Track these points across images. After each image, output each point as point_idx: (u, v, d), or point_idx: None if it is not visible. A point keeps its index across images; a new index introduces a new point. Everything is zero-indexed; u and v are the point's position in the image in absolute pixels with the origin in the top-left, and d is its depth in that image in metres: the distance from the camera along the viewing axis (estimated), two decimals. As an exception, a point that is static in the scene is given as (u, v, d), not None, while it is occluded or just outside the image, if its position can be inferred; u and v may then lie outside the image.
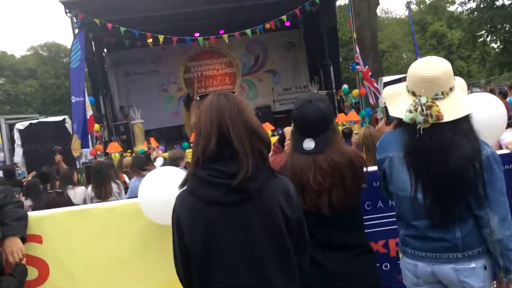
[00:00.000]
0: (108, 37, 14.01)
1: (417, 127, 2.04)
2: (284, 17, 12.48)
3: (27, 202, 5.52)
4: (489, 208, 2.04)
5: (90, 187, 5.68)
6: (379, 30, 29.25)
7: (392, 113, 2.21)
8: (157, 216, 2.40)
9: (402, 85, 2.22)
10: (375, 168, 2.43)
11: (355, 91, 13.74)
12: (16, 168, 11.15)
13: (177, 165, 5.33)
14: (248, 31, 12.48)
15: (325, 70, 15.89)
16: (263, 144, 1.77)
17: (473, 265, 2.10)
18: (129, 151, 12.34)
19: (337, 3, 18.67)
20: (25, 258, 2.36)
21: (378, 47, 19.59)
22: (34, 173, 7.82)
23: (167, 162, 6.22)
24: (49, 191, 5.59)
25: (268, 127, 11.47)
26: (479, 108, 2.31)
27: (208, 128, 1.74)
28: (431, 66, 2.06)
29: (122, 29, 11.64)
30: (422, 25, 38.29)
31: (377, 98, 12.35)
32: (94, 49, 14.98)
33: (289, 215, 1.76)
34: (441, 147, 2.02)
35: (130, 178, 6.47)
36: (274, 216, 1.74)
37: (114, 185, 5.59)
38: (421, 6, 42.00)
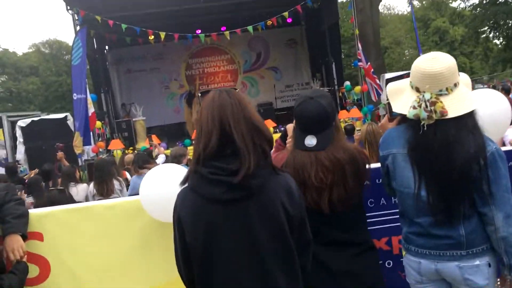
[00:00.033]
0: (110, 34, 14.01)
1: (421, 123, 2.02)
2: (286, 14, 12.43)
3: (29, 200, 5.52)
4: (493, 205, 2.02)
5: (92, 184, 5.69)
6: (381, 27, 29.18)
7: (396, 109, 2.19)
8: (158, 214, 2.39)
9: (406, 81, 2.20)
10: (378, 165, 2.41)
11: (357, 88, 13.70)
12: (18, 165, 11.17)
13: (179, 162, 5.33)
14: (250, 28, 12.45)
15: (327, 67, 15.83)
16: (265, 141, 1.76)
17: (477, 262, 2.08)
18: (131, 148, 12.32)
19: (339, 0, 18.58)
20: (26, 256, 2.35)
21: (380, 43, 19.52)
22: (36, 170, 7.83)
23: (169, 160, 6.21)
24: (51, 188, 5.59)
25: (270, 124, 11.45)
26: (483, 104, 2.28)
27: (209, 124, 1.72)
28: (436, 62, 2.04)
29: (124, 26, 11.61)
30: (424, 21, 38.13)
31: (379, 95, 12.31)
32: (95, 46, 14.95)
33: (291, 213, 1.74)
34: (445, 144, 2.00)
35: (132, 175, 6.46)
36: (276, 214, 1.72)
37: (116, 182, 5.60)
38: (424, 2, 41.82)
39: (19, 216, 2.39)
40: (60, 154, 8.43)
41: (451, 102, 2.03)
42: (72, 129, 11.03)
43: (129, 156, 8.00)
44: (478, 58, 38.46)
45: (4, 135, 13.31)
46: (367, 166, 2.24)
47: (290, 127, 2.53)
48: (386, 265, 2.72)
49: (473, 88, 2.29)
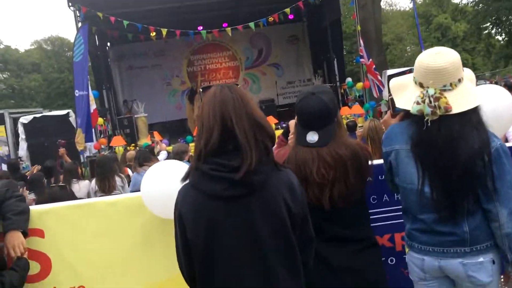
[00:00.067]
0: (111, 30, 13.96)
1: (425, 119, 2.00)
2: (287, 10, 12.38)
3: (31, 196, 5.52)
4: (498, 201, 2.00)
5: (93, 181, 5.69)
6: (383, 23, 29.06)
7: (399, 105, 2.17)
8: (160, 210, 2.38)
9: (409, 76, 2.18)
10: (380, 161, 2.40)
11: (359, 84, 13.66)
12: (21, 162, 11.17)
13: (181, 159, 5.32)
14: (252, 24, 12.41)
15: (328, 63, 15.78)
16: (268, 137, 1.74)
17: (481, 259, 2.07)
18: (133, 144, 12.31)
19: (341, -4, 18.48)
20: (26, 252, 2.34)
21: (382, 40, 19.46)
22: (38, 167, 7.82)
23: (171, 156, 6.20)
24: (52, 185, 5.59)
25: (271, 121, 11.41)
26: (486, 99, 2.26)
27: (211, 120, 1.71)
28: (440, 57, 2.02)
29: (125, 22, 11.59)
30: (426, 18, 38.03)
31: (380, 91, 12.28)
32: (97, 42, 14.93)
33: (293, 209, 1.73)
34: (449, 140, 1.98)
35: (133, 172, 6.46)
36: (277, 210, 1.70)
37: (117, 179, 5.61)
38: (425, -2, 41.70)
39: (19, 213, 2.37)
40: (62, 150, 8.45)
41: (455, 97, 2.01)
42: (74, 125, 11.04)
43: (131, 152, 7.98)
44: (480, 54, 38.34)
45: (6, 131, 13.33)
46: (369, 162, 2.22)
47: (292, 123, 2.52)
48: (389, 262, 2.70)
49: (476, 85, 2.27)
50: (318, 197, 2.12)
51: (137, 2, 12.78)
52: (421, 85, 2.06)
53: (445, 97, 1.99)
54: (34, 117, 12.56)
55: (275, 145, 2.37)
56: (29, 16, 74.83)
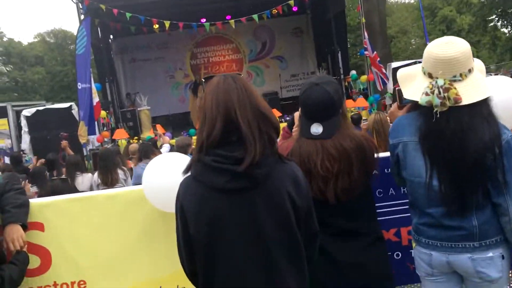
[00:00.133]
0: (114, 23, 13.92)
1: (434, 111, 1.94)
2: (291, 2, 12.30)
3: (33, 189, 5.50)
4: (508, 195, 1.95)
5: (96, 174, 5.66)
6: (388, 16, 28.89)
7: (407, 96, 2.11)
8: (161, 203, 2.34)
9: (417, 66, 2.12)
10: (386, 154, 2.35)
11: (363, 77, 13.60)
12: (24, 155, 11.19)
13: (185, 152, 5.29)
14: (255, 16, 12.35)
15: (332, 56, 15.71)
16: (272, 128, 1.69)
17: (490, 254, 2.02)
18: (136, 137, 12.32)
19: (345, -12, 18.35)
20: (26, 246, 2.31)
21: (386, 32, 19.34)
22: (42, 160, 7.81)
23: (174, 150, 6.17)
24: (53, 178, 5.57)
25: (275, 114, 11.35)
26: (495, 90, 2.20)
27: (213, 110, 1.65)
28: (450, 46, 1.96)
29: (128, 14, 11.54)
30: (431, 10, 37.74)
31: (384, 84, 12.22)
32: (100, 35, 14.91)
33: (297, 202, 1.69)
34: (459, 131, 1.92)
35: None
36: (281, 203, 1.66)
37: (120, 172, 5.58)
38: (431, -10, 41.36)
39: (19, 206, 2.34)
40: (64, 143, 8.45)
41: (465, 88, 1.95)
42: (77, 118, 11.02)
43: (134, 145, 7.96)
44: (485, 47, 38.08)
45: (9, 124, 13.36)
46: (375, 155, 2.17)
47: (297, 115, 2.47)
48: (395, 256, 2.67)
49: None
50: (322, 190, 2.08)
51: (140, -6, 12.73)
52: (430, 76, 2.00)
53: (455, 88, 1.93)
54: (37, 110, 12.58)
55: (280, 137, 2.32)
56: (32, 9, 74.91)
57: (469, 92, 1.94)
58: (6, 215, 2.29)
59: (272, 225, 1.66)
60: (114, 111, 14.49)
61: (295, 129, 2.50)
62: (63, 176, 5.56)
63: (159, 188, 2.28)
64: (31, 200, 2.47)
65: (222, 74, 1.80)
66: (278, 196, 1.66)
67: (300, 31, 17.87)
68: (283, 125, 2.74)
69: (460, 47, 1.96)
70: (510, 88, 2.48)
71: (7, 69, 40.43)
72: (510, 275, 2.20)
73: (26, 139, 12.24)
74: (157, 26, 12.37)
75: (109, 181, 5.35)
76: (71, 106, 12.68)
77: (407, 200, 2.28)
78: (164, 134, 10.39)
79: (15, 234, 2.25)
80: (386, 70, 12.38)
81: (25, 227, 2.32)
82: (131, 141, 11.33)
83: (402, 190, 2.59)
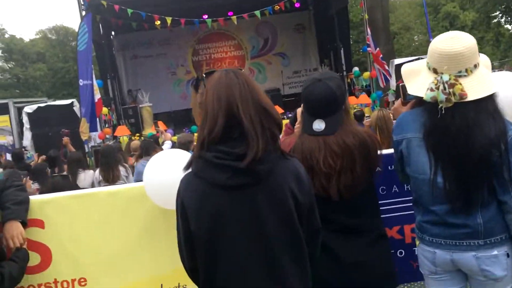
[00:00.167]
0: (116, 19, 13.87)
1: (439, 107, 1.91)
2: (294, -2, 12.25)
3: (35, 186, 5.49)
4: None
5: (98, 171, 5.66)
6: (391, 12, 28.77)
7: (411, 91, 2.08)
8: (162, 200, 2.31)
9: (422, 62, 2.09)
10: (389, 151, 2.32)
11: (366, 74, 13.55)
12: (25, 151, 11.18)
13: (187, 149, 5.28)
14: (257, 12, 12.30)
15: (335, 53, 15.64)
16: (275, 124, 1.67)
17: (495, 252, 1.99)
18: (138, 134, 12.30)
19: (348, -16, 18.27)
20: (26, 243, 2.29)
21: (389, 29, 19.26)
22: (43, 157, 7.80)
23: (176, 147, 6.16)
24: (54, 174, 5.57)
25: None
26: (500, 86, 2.17)
27: (215, 106, 1.63)
28: (455, 41, 1.92)
29: (130, 10, 11.50)
30: (434, 6, 37.60)
31: (387, 81, 12.16)
32: (101, 31, 14.85)
33: (300, 199, 1.67)
34: (464, 127, 1.90)
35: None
36: (284, 199, 1.64)
37: (122, 169, 5.58)
38: (434, -13, 41.18)
39: (19, 203, 2.32)
40: (65, 139, 8.44)
41: (470, 84, 1.92)
42: (79, 115, 11.00)
43: (136, 142, 7.96)
44: (489, 43, 37.94)
45: (10, 121, 13.35)
46: (378, 151, 2.14)
47: (299, 111, 2.44)
48: (398, 254, 2.64)
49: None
50: (325, 187, 2.06)
51: (141, -10, 12.67)
52: (435, 71, 1.97)
53: (460, 84, 1.90)
54: (39, 107, 12.54)
55: (282, 133, 2.29)
56: (34, 6, 74.85)
57: (474, 87, 1.91)
58: (6, 212, 2.27)
59: (274, 221, 1.64)
60: (115, 108, 14.48)
61: (297, 125, 2.47)
62: (65, 173, 5.55)
63: (160, 185, 2.26)
64: (31, 197, 2.46)
65: (224, 69, 1.77)
66: (280, 193, 1.64)
67: (303, 28, 17.78)
68: (285, 122, 2.71)
69: (466, 42, 1.93)
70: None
71: (9, 66, 40.47)
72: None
73: (27, 136, 12.22)
74: (158, 22, 12.34)
75: (110, 178, 5.34)
76: (72, 102, 12.65)
77: (411, 198, 2.25)
78: (166, 131, 10.38)
79: (15, 231, 2.23)
80: (389, 67, 12.32)
81: (25, 224, 2.30)
82: (132, 138, 11.32)
83: (405, 187, 2.56)
